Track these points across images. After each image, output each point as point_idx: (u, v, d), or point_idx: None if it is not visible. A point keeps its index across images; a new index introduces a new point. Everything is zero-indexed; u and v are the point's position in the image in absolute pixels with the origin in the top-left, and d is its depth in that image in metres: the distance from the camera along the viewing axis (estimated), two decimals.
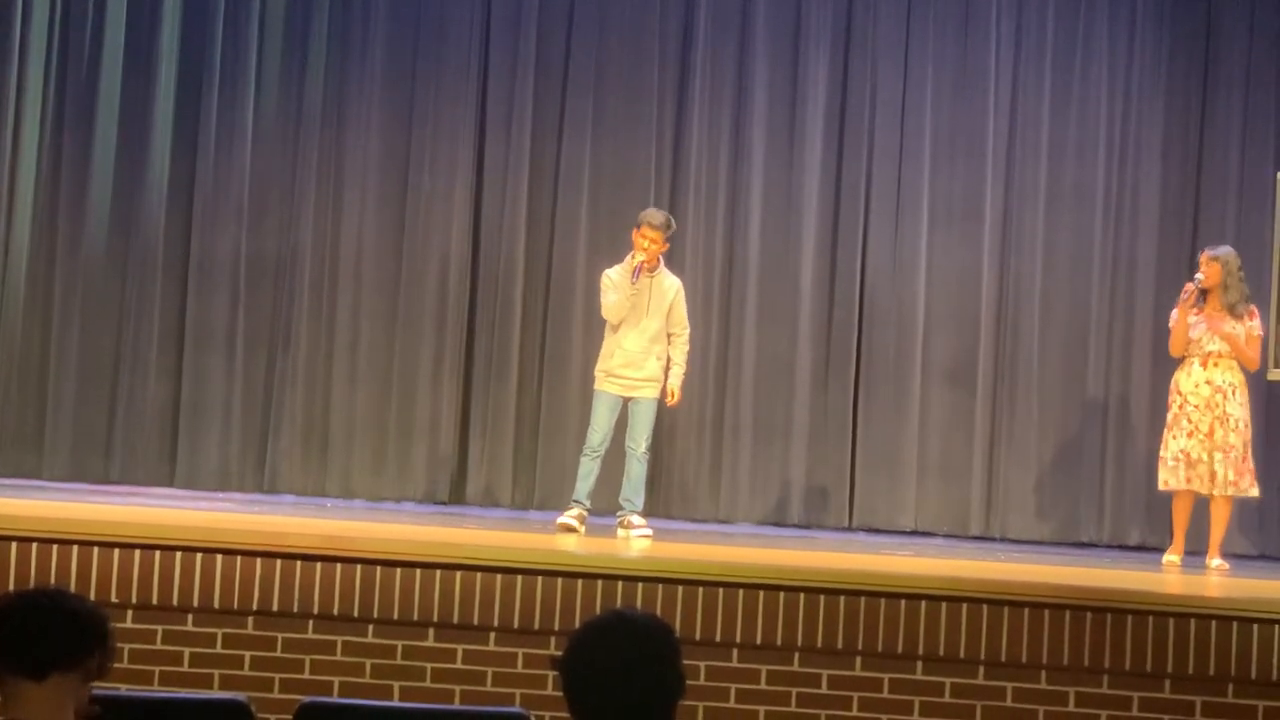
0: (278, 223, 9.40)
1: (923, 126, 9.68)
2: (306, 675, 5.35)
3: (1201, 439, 7.78)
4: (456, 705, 5.15)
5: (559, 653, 2.95)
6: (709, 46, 9.63)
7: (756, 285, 9.61)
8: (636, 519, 7.49)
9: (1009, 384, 9.67)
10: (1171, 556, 7.90)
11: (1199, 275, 7.93)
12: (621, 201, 9.11)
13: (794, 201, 9.63)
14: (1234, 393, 7.81)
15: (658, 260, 7.58)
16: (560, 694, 2.91)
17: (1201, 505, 8.12)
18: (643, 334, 7.56)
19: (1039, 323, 9.68)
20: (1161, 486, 7.97)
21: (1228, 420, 7.77)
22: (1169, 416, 7.92)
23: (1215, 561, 7.80)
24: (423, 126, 9.53)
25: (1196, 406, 7.80)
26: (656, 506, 9.07)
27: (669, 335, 7.63)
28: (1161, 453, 7.94)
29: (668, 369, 7.63)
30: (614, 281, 7.56)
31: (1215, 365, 7.84)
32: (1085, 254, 9.69)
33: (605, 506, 7.85)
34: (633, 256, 7.53)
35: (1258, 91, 9.62)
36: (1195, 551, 8.18)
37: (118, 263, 9.30)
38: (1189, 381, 7.85)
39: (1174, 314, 8.02)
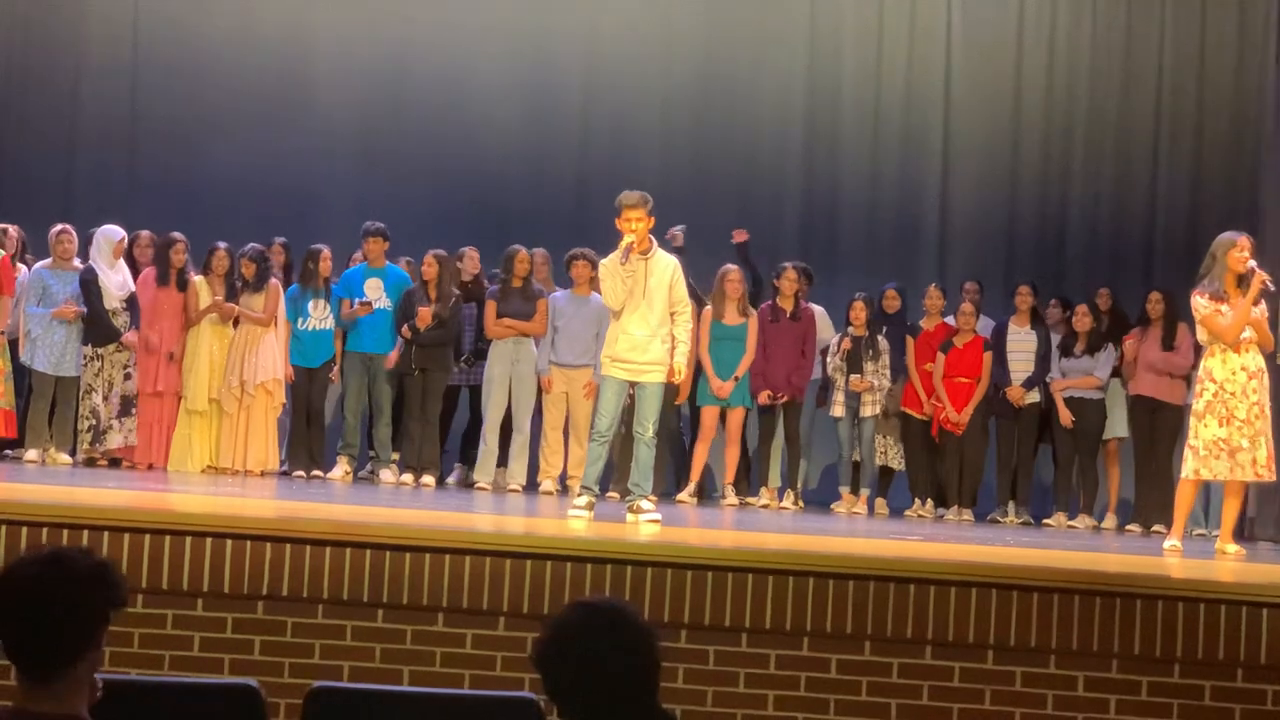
0: None
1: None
2: (316, 660, 5.35)
3: (1239, 425, 7.54)
4: (466, 690, 5.13)
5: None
6: None
7: None
8: (645, 504, 7.48)
9: None
10: (1174, 542, 7.74)
11: (1253, 261, 7.63)
12: None
13: None
14: (1263, 377, 7.63)
15: (649, 241, 7.54)
16: None
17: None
18: (645, 318, 7.51)
19: None
20: (1193, 476, 7.64)
21: (1257, 404, 7.58)
22: (1199, 404, 7.62)
23: (1231, 547, 7.71)
24: None
25: (1233, 394, 7.54)
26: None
27: (671, 315, 7.58)
28: (1191, 441, 7.64)
29: (674, 350, 7.59)
30: (608, 269, 7.54)
31: (1246, 351, 7.62)
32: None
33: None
34: (624, 240, 7.48)
35: None
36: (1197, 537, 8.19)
37: None
38: (1224, 369, 7.58)
39: (1220, 305, 7.61)
